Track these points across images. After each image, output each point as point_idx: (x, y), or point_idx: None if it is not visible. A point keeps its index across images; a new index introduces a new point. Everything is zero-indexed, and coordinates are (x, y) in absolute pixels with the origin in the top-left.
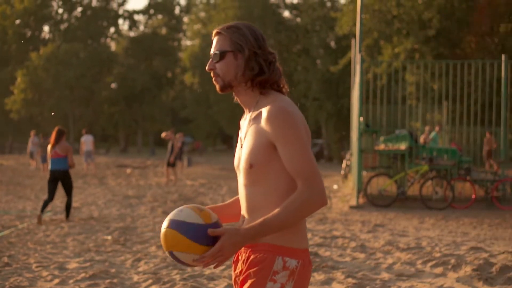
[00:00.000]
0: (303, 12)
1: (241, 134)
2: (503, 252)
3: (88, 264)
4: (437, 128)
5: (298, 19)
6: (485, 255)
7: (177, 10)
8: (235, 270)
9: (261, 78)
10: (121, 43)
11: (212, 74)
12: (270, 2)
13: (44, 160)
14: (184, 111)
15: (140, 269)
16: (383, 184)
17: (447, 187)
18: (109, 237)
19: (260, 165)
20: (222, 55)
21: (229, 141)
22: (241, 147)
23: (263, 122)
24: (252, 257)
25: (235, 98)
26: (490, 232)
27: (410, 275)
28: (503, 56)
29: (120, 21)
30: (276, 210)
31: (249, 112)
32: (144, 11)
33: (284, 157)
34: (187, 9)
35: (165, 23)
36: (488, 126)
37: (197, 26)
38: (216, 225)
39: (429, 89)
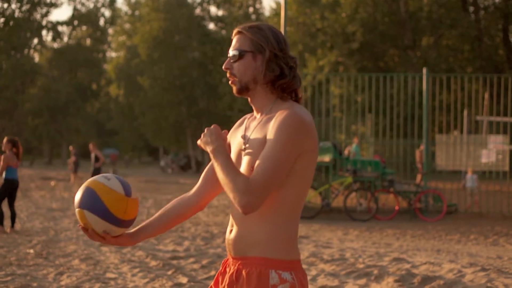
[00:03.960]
0: (228, 24)
1: (247, 132)
2: (425, 263)
3: (9, 278)
4: (356, 140)
5: (224, 32)
6: (407, 266)
7: (101, 22)
8: (222, 282)
9: (283, 81)
10: (45, 54)
11: (228, 75)
12: (195, 14)
13: None
14: (110, 123)
15: (62, 283)
16: (307, 195)
17: (371, 199)
18: (32, 251)
19: None
20: (240, 54)
21: (155, 153)
22: (243, 148)
23: (272, 123)
24: (243, 271)
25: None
26: (412, 243)
27: (333, 287)
28: (424, 70)
29: (44, 32)
30: (236, 169)
31: (261, 115)
32: (68, 22)
33: (263, 152)
34: (111, 21)
35: (90, 34)
36: (410, 138)
37: (122, 38)
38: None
39: (353, 102)
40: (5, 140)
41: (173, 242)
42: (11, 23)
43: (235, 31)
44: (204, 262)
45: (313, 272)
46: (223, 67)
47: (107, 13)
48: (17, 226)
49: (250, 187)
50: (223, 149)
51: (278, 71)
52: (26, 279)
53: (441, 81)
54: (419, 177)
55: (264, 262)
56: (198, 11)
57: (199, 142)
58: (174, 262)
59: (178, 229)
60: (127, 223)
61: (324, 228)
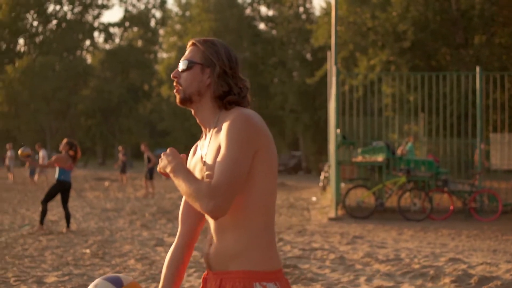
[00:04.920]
0: (278, 24)
1: (202, 152)
2: (482, 263)
3: (66, 277)
4: (411, 139)
5: (274, 32)
6: (463, 266)
7: (152, 23)
8: None
9: (232, 98)
10: (97, 55)
11: (175, 83)
12: (246, 14)
13: (32, 172)
14: (161, 124)
15: None
16: (361, 195)
17: (425, 199)
18: (88, 251)
19: None
20: (189, 65)
21: None
22: (203, 164)
23: (221, 131)
24: (227, 286)
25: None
26: (468, 243)
27: (389, 287)
28: (477, 68)
29: (96, 33)
30: (198, 179)
31: (209, 130)
32: (119, 24)
33: (218, 156)
34: (162, 22)
35: (141, 35)
36: (464, 137)
37: (173, 39)
38: None
39: (405, 101)
40: (64, 141)
41: None
42: (64, 25)
43: (189, 42)
44: None
45: (369, 272)
46: (171, 75)
47: (158, 14)
48: (73, 226)
49: (214, 190)
50: (182, 165)
51: (226, 88)
52: (83, 279)
53: (494, 79)
54: (476, 176)
55: (247, 275)
56: (248, 11)
57: (158, 168)
58: None
59: None
60: None
61: (378, 228)
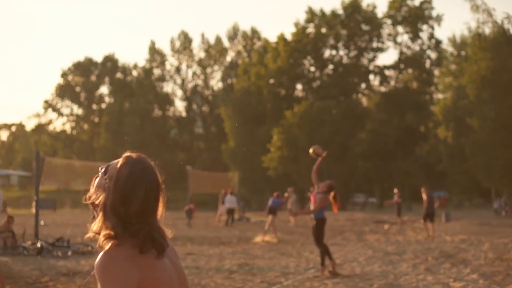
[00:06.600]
0: None
1: None
2: None
3: None
4: None
5: None
6: None
7: (427, 64)
8: None
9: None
10: (373, 98)
11: None
12: None
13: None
14: (439, 166)
15: None
16: None
17: None
18: None
19: None
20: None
21: (487, 195)
22: None
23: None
24: None
25: None
26: None
27: None
28: None
29: (371, 76)
30: None
31: None
32: (394, 66)
33: None
34: (437, 62)
35: (416, 77)
36: None
37: (448, 79)
38: None
39: None
40: (325, 183)
41: None
42: (340, 69)
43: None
44: None
45: None
46: None
47: (432, 55)
48: (356, 269)
49: None
50: None
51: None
52: None
53: None
54: None
55: None
56: None
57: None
58: None
59: None
60: None
61: None
